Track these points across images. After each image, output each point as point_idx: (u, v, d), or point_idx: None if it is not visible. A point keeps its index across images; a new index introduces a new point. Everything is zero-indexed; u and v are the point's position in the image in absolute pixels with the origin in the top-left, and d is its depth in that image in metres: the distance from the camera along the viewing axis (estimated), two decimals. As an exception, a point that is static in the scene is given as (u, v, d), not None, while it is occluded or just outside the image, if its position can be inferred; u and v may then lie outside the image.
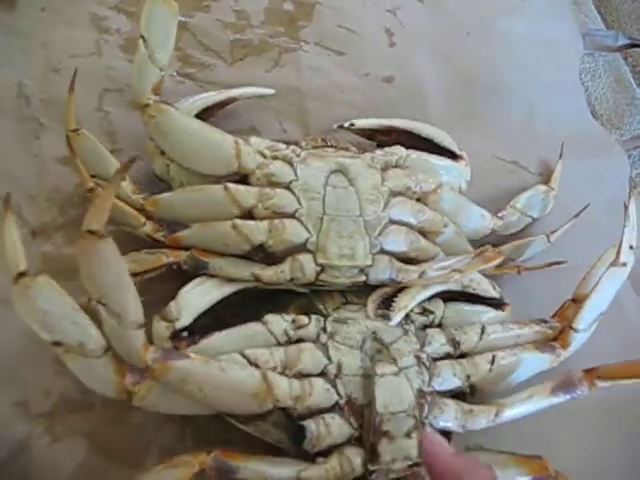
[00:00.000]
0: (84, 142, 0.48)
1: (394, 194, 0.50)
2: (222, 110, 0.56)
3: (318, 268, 0.47)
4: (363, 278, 0.48)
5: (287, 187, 0.49)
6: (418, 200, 0.51)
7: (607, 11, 0.76)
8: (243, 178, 0.49)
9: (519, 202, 0.58)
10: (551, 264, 0.56)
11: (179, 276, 0.47)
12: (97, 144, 0.48)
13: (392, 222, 0.49)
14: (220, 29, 0.60)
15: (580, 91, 0.68)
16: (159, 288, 0.46)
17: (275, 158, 0.50)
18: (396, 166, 0.52)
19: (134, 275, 0.45)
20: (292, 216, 0.48)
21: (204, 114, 0.53)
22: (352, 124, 0.57)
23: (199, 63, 0.59)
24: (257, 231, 0.47)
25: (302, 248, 0.48)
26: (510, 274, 0.55)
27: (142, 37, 0.46)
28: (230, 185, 0.47)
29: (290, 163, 0.50)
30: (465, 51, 0.65)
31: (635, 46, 0.71)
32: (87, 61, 0.57)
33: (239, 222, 0.47)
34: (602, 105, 0.69)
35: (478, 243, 0.54)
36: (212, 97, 0.54)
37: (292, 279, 0.47)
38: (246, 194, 0.47)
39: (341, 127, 0.57)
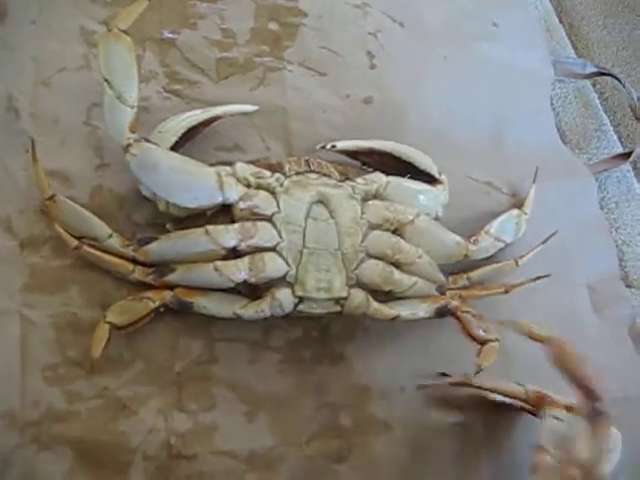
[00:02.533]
0: (62, 207, 0.50)
1: (372, 227, 0.53)
2: (208, 128, 0.57)
3: (296, 300, 0.51)
4: (338, 309, 0.52)
5: (269, 220, 0.51)
6: (395, 231, 0.54)
7: (577, 39, 0.78)
8: (227, 207, 0.51)
9: (493, 227, 0.60)
10: (537, 278, 0.59)
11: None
12: (76, 207, 0.50)
13: (369, 256, 0.52)
14: (207, 47, 0.62)
15: (550, 116, 0.71)
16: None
17: (259, 187, 0.52)
18: (375, 196, 0.54)
19: (125, 327, 0.49)
20: (273, 249, 0.50)
21: (190, 133, 0.55)
22: (333, 146, 0.58)
23: (186, 80, 0.60)
24: (237, 271, 0.49)
25: (281, 281, 0.50)
26: (497, 294, 0.58)
27: (105, 80, 0.47)
28: (210, 228, 0.49)
29: (273, 193, 0.52)
30: (442, 75, 0.67)
31: (602, 74, 0.74)
32: (76, 75, 0.58)
33: (220, 264, 0.49)
34: (572, 130, 0.72)
35: (450, 267, 0.57)
36: (197, 116, 0.55)
37: (272, 314, 0.51)
38: (227, 235, 0.49)
39: (323, 147, 0.59)
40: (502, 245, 0.60)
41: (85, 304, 0.52)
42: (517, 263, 0.60)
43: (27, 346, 0.50)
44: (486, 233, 0.59)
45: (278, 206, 0.51)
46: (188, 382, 0.52)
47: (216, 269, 0.49)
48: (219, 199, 0.50)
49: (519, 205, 0.63)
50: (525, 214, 0.62)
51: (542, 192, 0.64)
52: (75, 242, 0.50)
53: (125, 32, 0.48)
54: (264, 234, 0.50)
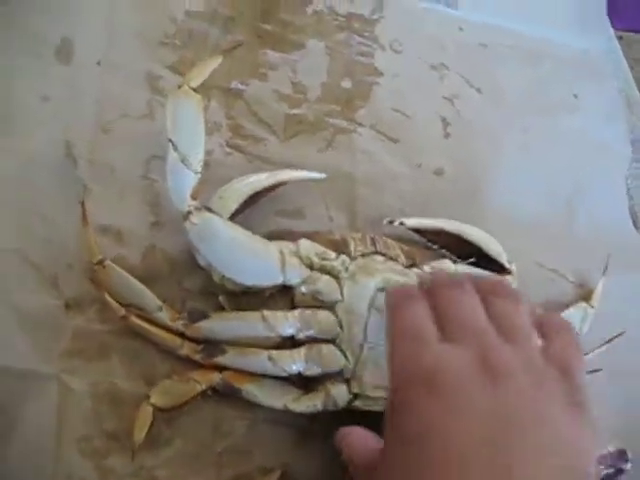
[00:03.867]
0: (111, 273, 0.47)
1: None
2: (271, 192, 0.54)
3: (351, 396, 0.47)
4: None
5: (331, 308, 0.48)
6: None
7: (659, 114, 0.75)
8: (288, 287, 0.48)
9: None
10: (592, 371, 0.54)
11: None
12: (125, 275, 0.47)
13: None
14: (275, 101, 0.59)
15: (624, 199, 0.67)
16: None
17: (322, 269, 0.49)
18: None
19: (169, 410, 0.46)
20: (332, 342, 0.47)
21: (253, 198, 0.52)
22: (402, 223, 0.55)
23: (250, 135, 0.57)
24: (292, 363, 0.46)
25: (337, 375, 0.48)
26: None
27: (170, 141, 0.44)
28: (268, 314, 0.47)
29: (337, 278, 0.49)
30: (518, 148, 0.64)
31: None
32: (138, 123, 0.55)
33: (274, 354, 0.46)
34: (645, 215, 0.69)
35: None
36: (262, 181, 0.52)
37: (324, 409, 0.48)
38: (285, 323, 0.47)
39: (391, 223, 0.55)
40: (567, 340, 0.57)
41: (126, 375, 0.49)
42: (582, 361, 0.56)
43: (64, 415, 0.47)
44: (550, 327, 0.56)
45: (341, 294, 0.48)
46: (229, 464, 0.50)
47: (270, 359, 0.46)
48: (280, 280, 0.48)
49: (586, 296, 0.60)
50: (592, 308, 0.59)
51: (610, 284, 0.61)
52: (123, 311, 0.47)
53: (195, 90, 0.45)
54: (324, 325, 0.47)
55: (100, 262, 0.47)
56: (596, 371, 0.55)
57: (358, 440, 0.39)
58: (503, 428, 0.29)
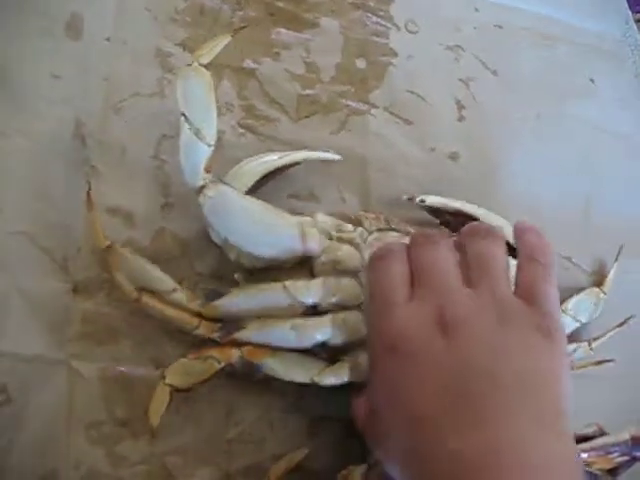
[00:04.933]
0: (121, 258, 0.45)
1: None
2: (283, 172, 0.52)
3: None
4: None
5: (354, 276, 0.46)
6: None
7: (674, 101, 0.74)
8: (307, 258, 0.47)
9: (570, 305, 0.56)
10: (600, 362, 0.56)
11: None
12: (137, 258, 0.45)
13: None
14: (288, 81, 0.57)
15: (640, 186, 0.67)
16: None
17: (341, 240, 0.48)
18: None
19: (186, 390, 0.44)
20: (356, 307, 0.46)
21: (265, 178, 0.51)
22: (422, 200, 0.54)
23: (263, 116, 0.56)
24: (318, 332, 0.45)
25: (363, 345, 0.45)
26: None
27: (183, 115, 0.43)
28: (289, 284, 0.45)
29: (357, 248, 0.47)
30: (534, 134, 0.63)
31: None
32: (148, 102, 0.53)
33: (298, 323, 0.45)
34: (664, 205, 0.68)
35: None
36: (275, 161, 0.51)
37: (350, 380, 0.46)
38: (307, 292, 0.45)
39: (410, 200, 0.55)
40: (578, 325, 0.57)
41: (136, 359, 0.48)
42: (591, 345, 0.56)
43: (73, 400, 0.46)
44: (563, 311, 0.56)
45: (362, 263, 0.47)
46: (240, 452, 0.48)
47: (293, 328, 0.45)
48: (300, 251, 0.46)
49: (599, 283, 0.60)
50: (604, 294, 0.59)
51: (625, 271, 0.60)
52: (135, 294, 0.45)
53: (205, 67, 0.44)
54: (349, 292, 0.46)
55: (108, 247, 0.45)
56: (608, 361, 0.56)
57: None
58: (463, 376, 0.30)
